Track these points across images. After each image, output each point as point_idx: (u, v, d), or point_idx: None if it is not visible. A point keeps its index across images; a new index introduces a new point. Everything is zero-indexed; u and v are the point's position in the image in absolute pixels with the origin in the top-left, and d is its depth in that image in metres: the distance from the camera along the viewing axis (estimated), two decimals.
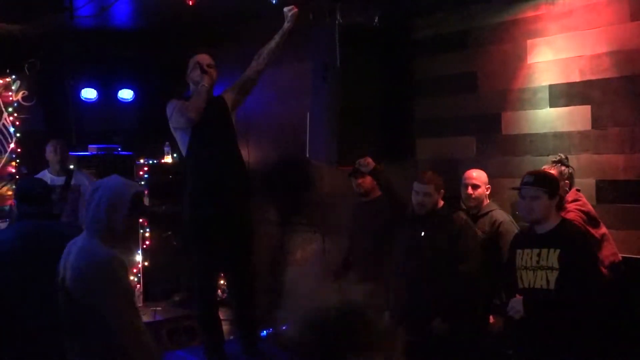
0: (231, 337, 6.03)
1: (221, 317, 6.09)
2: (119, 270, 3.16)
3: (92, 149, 7.79)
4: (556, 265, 3.80)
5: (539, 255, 3.88)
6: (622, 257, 4.53)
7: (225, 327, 6.34)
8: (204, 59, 5.18)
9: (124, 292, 3.18)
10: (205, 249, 5.04)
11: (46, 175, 6.25)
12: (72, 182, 6.20)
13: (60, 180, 6.37)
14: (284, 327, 6.14)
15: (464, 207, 5.01)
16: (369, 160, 4.88)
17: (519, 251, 4.02)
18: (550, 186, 3.93)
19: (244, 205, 5.18)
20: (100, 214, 3.22)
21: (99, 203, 3.22)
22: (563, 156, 4.68)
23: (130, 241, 3.77)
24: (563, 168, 4.58)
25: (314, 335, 2.95)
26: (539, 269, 3.88)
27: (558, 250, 3.81)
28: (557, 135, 5.07)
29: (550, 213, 3.95)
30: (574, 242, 3.89)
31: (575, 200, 4.52)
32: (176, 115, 4.98)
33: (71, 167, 6.90)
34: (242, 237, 5.19)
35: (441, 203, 4.77)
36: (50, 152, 6.40)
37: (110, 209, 3.21)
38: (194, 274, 5.19)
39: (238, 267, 5.22)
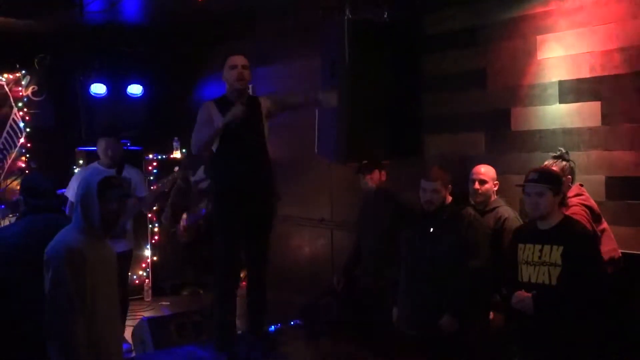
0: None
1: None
2: (64, 260, 3.15)
3: None
4: (559, 262, 3.83)
5: (541, 251, 3.92)
6: (629, 253, 4.52)
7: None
8: (239, 60, 5.07)
9: (66, 283, 3.14)
10: (229, 233, 5.09)
11: (97, 168, 6.25)
12: (123, 174, 6.22)
13: (111, 172, 6.36)
14: (292, 323, 6.21)
15: (472, 202, 5.00)
16: None
17: (520, 245, 4.04)
18: (554, 183, 3.97)
19: (266, 202, 5.22)
20: (76, 205, 3.29)
21: (76, 196, 3.31)
22: (564, 151, 4.67)
23: (116, 228, 3.72)
24: (564, 163, 4.56)
25: None
26: (540, 265, 3.91)
27: (562, 247, 3.84)
28: (567, 132, 5.05)
29: (554, 209, 3.98)
30: (579, 240, 3.92)
31: (578, 194, 4.51)
32: (193, 134, 5.06)
33: None
34: (261, 231, 5.23)
35: (449, 199, 4.76)
36: (101, 149, 6.36)
37: (82, 200, 3.26)
38: (218, 255, 5.18)
39: (255, 256, 5.25)
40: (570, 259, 3.81)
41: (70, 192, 5.64)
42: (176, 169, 6.59)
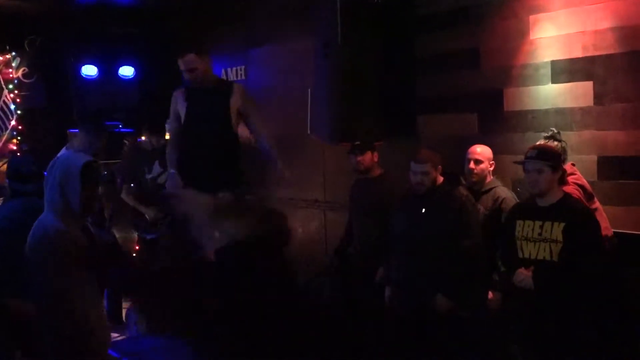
0: None
1: None
2: (62, 244, 3.18)
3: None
4: (560, 238, 3.87)
5: (541, 227, 3.95)
6: (619, 232, 4.54)
7: None
8: (182, 65, 4.97)
9: (65, 270, 3.18)
10: None
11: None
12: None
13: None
14: None
15: (464, 182, 5.01)
16: None
17: (519, 222, 4.07)
18: (553, 160, 4.02)
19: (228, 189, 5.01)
20: (54, 190, 3.26)
21: (53, 180, 3.27)
22: (556, 131, 4.69)
23: (93, 212, 3.73)
24: (556, 143, 4.59)
25: None
26: (541, 241, 3.95)
27: (563, 224, 3.87)
28: (559, 112, 5.07)
29: (553, 186, 4.02)
30: (581, 217, 3.96)
31: (571, 174, 4.54)
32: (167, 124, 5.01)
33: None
34: None
35: (440, 179, 4.78)
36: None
37: (63, 185, 3.24)
38: None
39: None
40: (572, 235, 3.86)
41: None
42: None
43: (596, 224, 4.03)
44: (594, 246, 3.93)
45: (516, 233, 4.07)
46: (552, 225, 3.91)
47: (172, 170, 5.07)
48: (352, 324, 5.50)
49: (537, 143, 4.65)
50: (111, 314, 6.49)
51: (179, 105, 4.95)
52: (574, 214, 3.94)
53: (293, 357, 4.70)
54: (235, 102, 4.78)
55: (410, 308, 4.78)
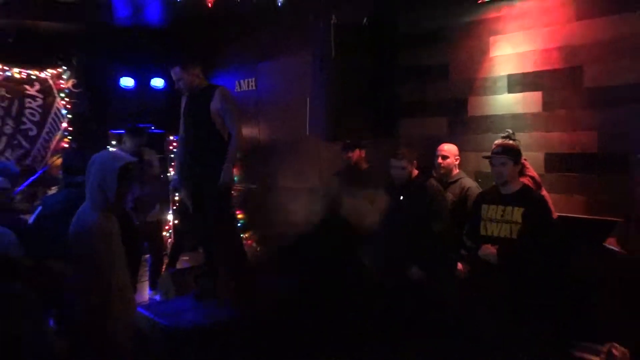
0: None
1: None
2: (97, 238, 3.18)
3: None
4: (519, 220, 3.93)
5: (504, 211, 4.01)
6: (562, 216, 4.57)
7: None
8: (172, 74, 4.78)
9: (100, 251, 3.18)
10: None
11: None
12: (145, 157, 6.30)
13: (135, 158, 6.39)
14: None
15: (435, 175, 5.04)
16: None
17: (484, 206, 4.12)
18: (514, 155, 4.08)
19: (209, 185, 4.62)
20: (93, 186, 3.25)
21: (93, 176, 3.26)
22: (511, 132, 4.72)
23: (124, 204, 3.72)
24: (511, 142, 4.62)
25: None
26: (503, 222, 4.00)
27: (522, 209, 3.94)
28: (514, 117, 5.09)
29: (514, 177, 4.08)
30: (537, 204, 4.02)
31: (524, 167, 4.60)
32: None
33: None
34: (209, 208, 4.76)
35: (416, 172, 4.80)
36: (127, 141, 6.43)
37: (101, 182, 3.24)
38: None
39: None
40: (529, 218, 3.92)
41: None
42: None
43: (549, 210, 4.11)
44: (547, 228, 3.99)
45: (482, 215, 4.11)
46: (513, 209, 3.96)
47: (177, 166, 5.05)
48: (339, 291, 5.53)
49: (496, 142, 4.69)
50: (151, 280, 6.54)
51: (182, 109, 4.91)
52: (531, 201, 4.00)
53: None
54: (214, 104, 4.52)
55: (390, 277, 4.81)
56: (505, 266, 3.97)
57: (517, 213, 3.94)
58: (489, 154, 4.17)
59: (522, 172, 4.31)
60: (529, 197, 4.02)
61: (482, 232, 4.11)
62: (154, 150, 6.70)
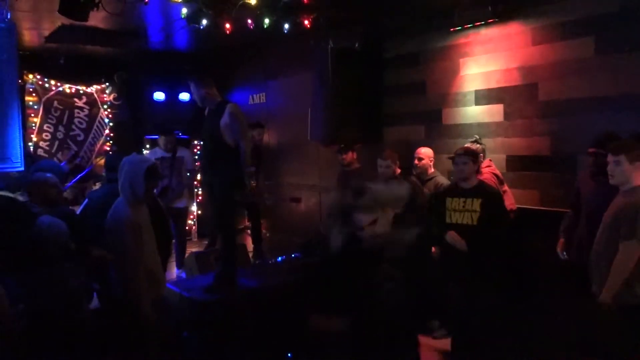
0: (257, 262, 6.08)
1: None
2: (127, 229, 3.15)
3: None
4: (478, 209, 3.95)
5: (464, 202, 4.01)
6: (520, 207, 4.56)
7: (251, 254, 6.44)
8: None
9: (129, 241, 3.15)
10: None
11: (157, 151, 6.35)
12: (177, 154, 6.32)
13: (168, 154, 6.39)
14: (293, 255, 6.23)
15: (414, 173, 5.02)
16: None
17: (448, 199, 4.11)
18: (473, 156, 4.10)
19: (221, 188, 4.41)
20: (125, 184, 3.23)
21: (124, 176, 3.24)
22: (478, 137, 4.71)
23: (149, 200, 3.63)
24: (478, 145, 4.62)
25: None
26: (465, 211, 4.01)
27: (480, 200, 3.94)
28: (480, 125, 5.06)
29: (473, 174, 4.08)
30: (492, 195, 4.04)
31: (488, 166, 4.59)
32: None
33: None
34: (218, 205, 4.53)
35: (398, 171, 4.77)
36: (162, 142, 6.40)
37: (131, 180, 3.22)
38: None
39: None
40: (486, 207, 3.94)
41: None
42: None
43: (502, 200, 4.13)
44: (501, 215, 4.02)
45: (447, 206, 4.10)
46: (473, 200, 3.97)
47: None
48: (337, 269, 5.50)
49: (466, 145, 4.67)
50: (177, 260, 6.51)
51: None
52: (487, 194, 4.01)
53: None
54: (224, 120, 4.25)
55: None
56: (469, 248, 3.97)
57: (476, 203, 3.95)
58: (455, 157, 4.13)
59: (478, 171, 4.30)
60: (485, 190, 4.04)
61: (448, 221, 4.09)
62: (187, 149, 6.67)
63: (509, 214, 4.21)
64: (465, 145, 4.48)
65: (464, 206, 3.99)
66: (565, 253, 4.00)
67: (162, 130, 6.48)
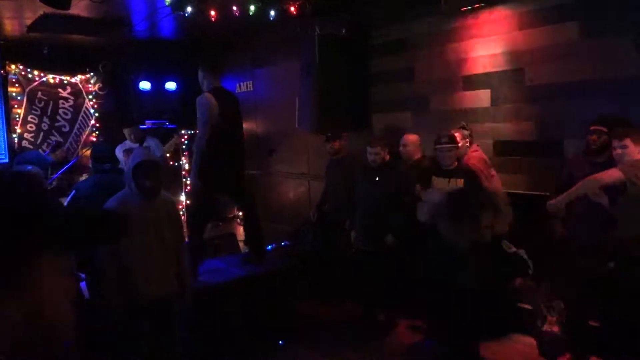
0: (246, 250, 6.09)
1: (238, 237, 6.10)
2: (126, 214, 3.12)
3: (148, 123, 7.73)
4: (462, 186, 4.10)
5: (449, 181, 4.13)
6: (507, 192, 4.57)
7: (241, 244, 6.43)
8: None
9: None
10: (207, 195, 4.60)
11: (126, 143, 6.27)
12: (144, 144, 6.25)
13: (136, 145, 6.33)
14: (282, 243, 6.24)
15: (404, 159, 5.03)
16: None
17: (434, 177, 4.21)
18: (455, 142, 4.22)
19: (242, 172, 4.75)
20: (126, 175, 3.25)
21: (127, 170, 3.26)
22: (464, 123, 4.73)
23: (156, 195, 3.54)
24: (464, 131, 4.65)
25: None
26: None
27: (462, 179, 4.09)
28: (468, 110, 5.07)
29: (454, 158, 4.21)
30: (472, 174, 4.17)
31: (475, 151, 4.60)
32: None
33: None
34: (243, 188, 4.82)
35: (387, 157, 4.79)
36: (127, 134, 6.32)
37: (126, 176, 3.23)
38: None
39: (247, 205, 5.02)
40: (468, 185, 4.09)
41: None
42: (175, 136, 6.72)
43: (479, 178, 4.23)
44: (480, 189, 4.17)
45: (433, 184, 4.20)
46: (456, 180, 4.11)
47: None
48: (327, 257, 5.54)
49: (453, 130, 4.69)
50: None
51: None
52: (468, 173, 4.16)
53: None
54: None
55: (369, 244, 4.82)
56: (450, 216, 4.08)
57: (459, 183, 4.10)
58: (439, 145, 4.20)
59: (460, 155, 4.38)
60: (466, 171, 4.19)
61: None
62: (155, 138, 6.59)
63: (485, 189, 4.28)
64: (447, 132, 4.50)
65: (448, 185, 4.10)
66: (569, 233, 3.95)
67: (126, 122, 6.38)
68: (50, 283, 2.51)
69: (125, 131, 6.28)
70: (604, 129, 3.71)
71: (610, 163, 3.57)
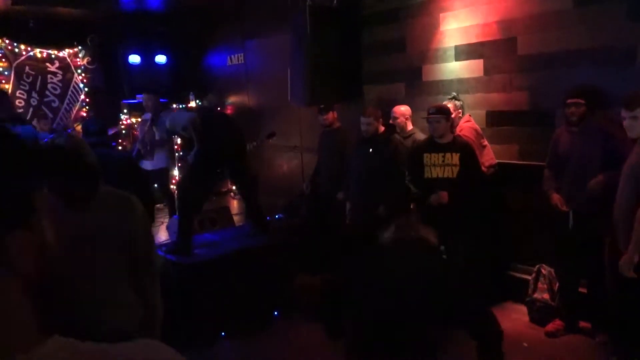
0: (240, 224, 6.11)
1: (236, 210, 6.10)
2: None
3: (139, 97, 7.66)
4: (457, 162, 4.08)
5: (444, 156, 4.11)
6: (499, 162, 4.60)
7: (235, 218, 6.44)
8: None
9: None
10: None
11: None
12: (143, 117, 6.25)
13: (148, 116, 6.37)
14: (276, 216, 6.26)
15: (398, 131, 5.02)
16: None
17: (426, 154, 4.18)
18: (446, 113, 4.18)
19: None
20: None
21: None
22: (455, 94, 4.73)
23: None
24: (456, 102, 4.64)
25: None
26: (445, 165, 4.12)
27: (458, 154, 4.06)
28: (460, 81, 5.04)
29: (447, 130, 4.18)
30: (468, 148, 4.15)
31: (468, 121, 4.61)
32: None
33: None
34: (243, 163, 5.05)
35: (382, 128, 4.76)
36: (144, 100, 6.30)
37: None
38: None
39: (245, 181, 5.13)
40: (464, 160, 4.07)
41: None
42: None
43: (475, 152, 4.23)
44: (476, 167, 4.20)
45: (425, 162, 4.18)
46: (452, 155, 4.08)
47: None
48: (320, 229, 5.56)
49: (444, 101, 4.69)
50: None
51: None
52: (464, 147, 4.13)
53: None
54: None
55: (362, 215, 4.83)
56: (450, 199, 4.07)
57: (455, 157, 4.07)
58: (429, 115, 4.20)
59: (452, 126, 4.36)
60: (461, 145, 4.16)
61: (427, 175, 4.19)
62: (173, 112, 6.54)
63: (480, 165, 4.31)
64: (437, 103, 4.49)
65: (443, 160, 4.08)
66: (565, 204, 3.94)
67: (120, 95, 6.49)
68: None
69: (143, 97, 6.21)
70: (582, 101, 3.75)
71: (586, 132, 3.72)
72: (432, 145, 4.20)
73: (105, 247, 2.08)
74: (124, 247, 2.12)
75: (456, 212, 4.03)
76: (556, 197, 3.96)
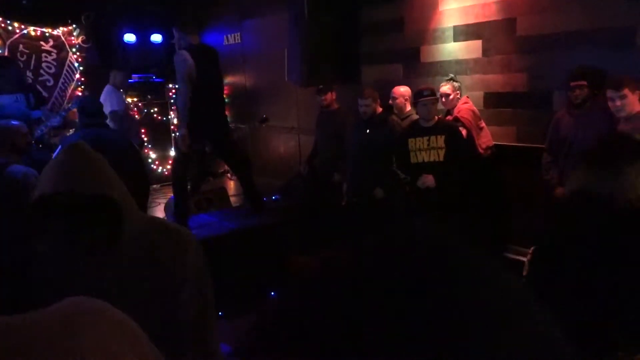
0: (236, 204, 6.12)
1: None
2: None
3: (135, 77, 7.62)
4: (443, 145, 4.08)
5: (429, 140, 4.11)
6: (496, 144, 4.59)
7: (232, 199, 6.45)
8: None
9: None
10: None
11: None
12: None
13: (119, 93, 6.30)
14: (273, 197, 6.27)
15: (395, 112, 5.00)
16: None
17: (410, 139, 4.20)
18: (435, 95, 4.22)
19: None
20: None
21: None
22: (453, 75, 4.71)
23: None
24: (454, 83, 4.63)
25: None
26: (431, 149, 4.12)
27: (443, 136, 4.07)
28: (458, 62, 5.02)
29: (435, 113, 4.22)
30: (453, 130, 4.17)
31: (466, 102, 4.59)
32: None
33: None
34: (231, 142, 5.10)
35: (379, 110, 4.75)
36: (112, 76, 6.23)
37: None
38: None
39: (238, 160, 5.16)
40: (449, 143, 4.07)
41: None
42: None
43: (462, 135, 4.21)
44: (464, 147, 4.16)
45: (410, 147, 4.18)
46: (437, 137, 4.08)
47: None
48: (316, 209, 5.57)
49: (442, 83, 4.67)
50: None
51: None
52: (449, 129, 4.14)
53: None
54: None
55: (359, 196, 4.84)
56: (438, 183, 4.08)
57: (440, 140, 4.07)
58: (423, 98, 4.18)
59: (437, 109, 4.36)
60: (446, 126, 4.17)
61: (413, 160, 4.19)
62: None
63: (470, 145, 4.28)
64: (426, 85, 4.48)
65: (428, 144, 4.09)
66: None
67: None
68: None
69: (112, 73, 6.13)
70: (584, 83, 3.72)
71: (589, 114, 3.67)
72: (416, 129, 4.22)
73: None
74: (158, 309, 1.34)
75: (446, 194, 4.02)
76: (560, 192, 3.96)
